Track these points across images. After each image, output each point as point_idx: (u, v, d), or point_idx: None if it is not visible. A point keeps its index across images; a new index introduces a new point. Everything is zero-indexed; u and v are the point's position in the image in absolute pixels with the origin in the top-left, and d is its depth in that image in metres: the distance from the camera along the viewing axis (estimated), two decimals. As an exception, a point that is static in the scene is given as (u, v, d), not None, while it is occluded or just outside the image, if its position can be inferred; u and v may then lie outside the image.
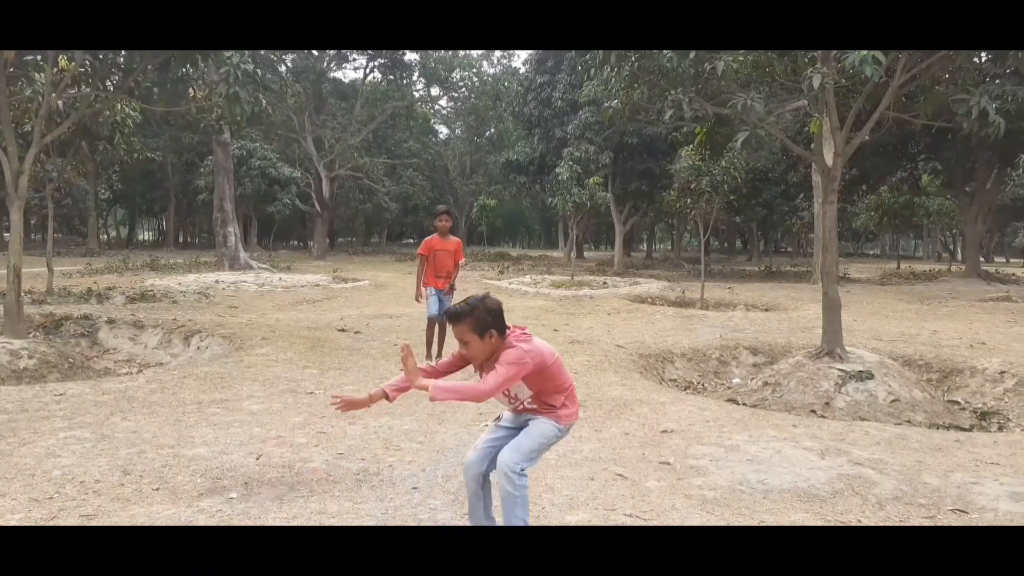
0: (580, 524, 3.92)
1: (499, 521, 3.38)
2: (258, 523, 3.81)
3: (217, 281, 18.58)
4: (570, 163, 22.28)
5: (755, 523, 4.02)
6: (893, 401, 7.57)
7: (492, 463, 3.36)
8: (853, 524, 4.08)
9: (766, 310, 15.56)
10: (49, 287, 13.99)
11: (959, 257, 43.74)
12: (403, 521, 3.90)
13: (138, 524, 3.76)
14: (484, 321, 3.14)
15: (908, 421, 7.28)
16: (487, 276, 24.44)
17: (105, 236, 55.51)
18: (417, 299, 8.82)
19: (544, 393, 3.34)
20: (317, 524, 3.81)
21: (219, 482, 4.48)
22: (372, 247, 53.52)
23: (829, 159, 9.05)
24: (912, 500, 4.44)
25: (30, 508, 3.95)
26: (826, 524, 4.05)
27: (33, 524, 3.74)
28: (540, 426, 3.33)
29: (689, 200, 16.06)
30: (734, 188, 16.71)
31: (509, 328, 3.28)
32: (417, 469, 4.78)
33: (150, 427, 5.56)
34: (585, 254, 48.85)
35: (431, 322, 8.61)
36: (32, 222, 47.58)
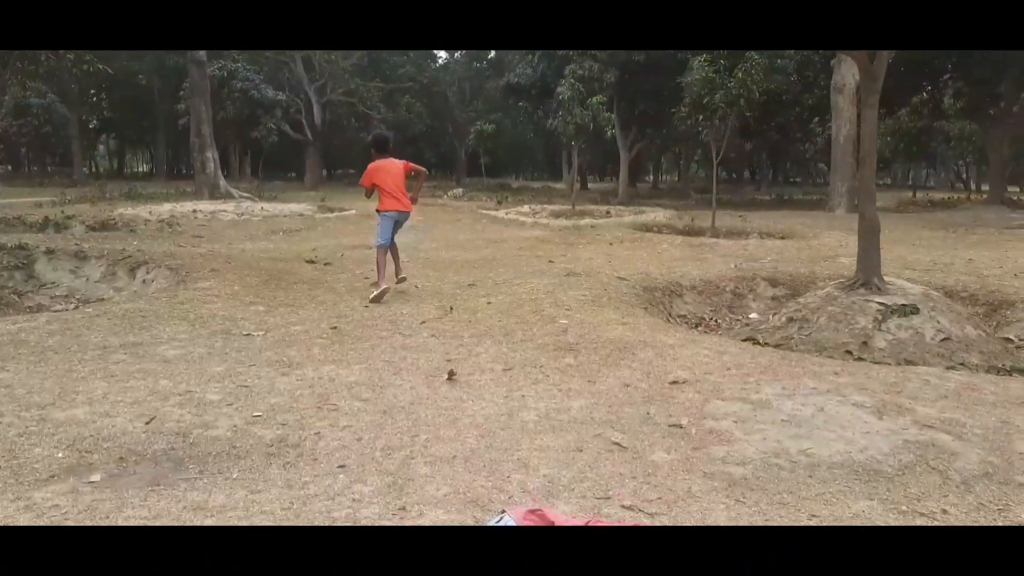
0: (561, 524, 2.79)
1: None
2: (100, 523, 2.69)
3: (194, 211, 17.30)
4: (572, 81, 20.63)
5: (805, 519, 2.88)
6: (944, 340, 6.40)
7: None
8: (936, 515, 2.95)
9: (782, 238, 14.29)
10: (-6, 216, 12.78)
11: (972, 187, 42.07)
12: (309, 520, 2.78)
13: (-74, 530, 2.64)
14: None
15: (962, 363, 6.13)
16: (484, 207, 23.09)
17: (94, 168, 53.92)
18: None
19: None
20: (178, 524, 2.69)
21: (85, 458, 3.36)
22: (369, 178, 51.90)
23: (871, 56, 7.65)
24: (1007, 477, 3.31)
25: None
26: (899, 516, 2.92)
27: None
28: None
29: (701, 117, 14.60)
30: (751, 105, 15.20)
31: None
32: (351, 438, 3.65)
33: (29, 380, 4.42)
34: (589, 185, 47.20)
35: (382, 249, 7.61)
36: (20, 153, 46.05)
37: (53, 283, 9.14)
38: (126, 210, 16.87)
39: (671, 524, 2.80)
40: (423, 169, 8.13)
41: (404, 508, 2.90)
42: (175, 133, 46.00)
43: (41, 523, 2.70)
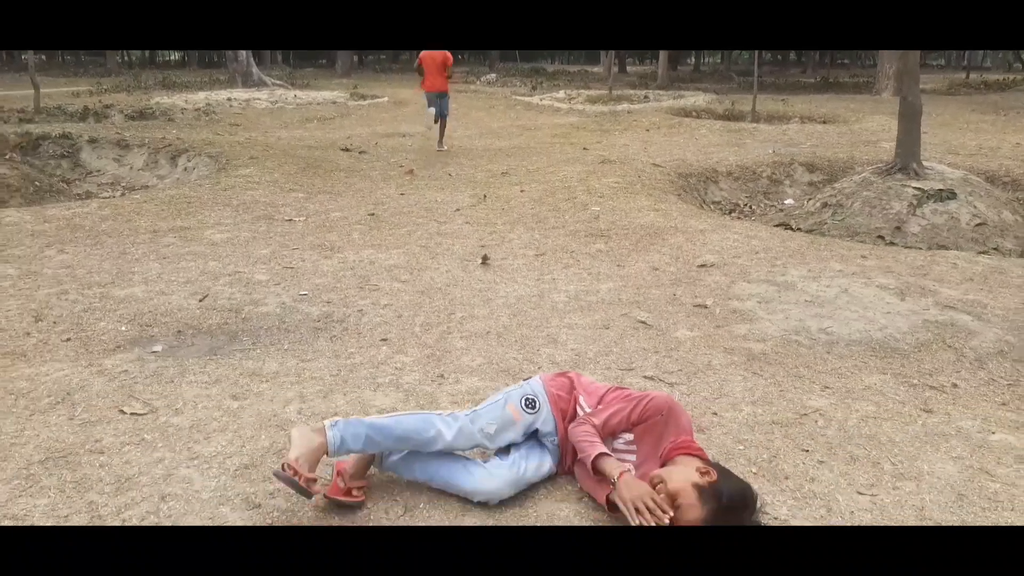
0: (585, 384, 3.00)
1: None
2: (169, 389, 2.96)
3: (228, 99, 17.31)
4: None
5: (818, 390, 3.05)
6: (979, 225, 6.38)
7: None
8: (946, 388, 3.10)
9: (824, 122, 13.92)
10: (36, 105, 12.95)
11: (1035, 66, 39.84)
12: (357, 386, 3.02)
13: (14, 390, 2.93)
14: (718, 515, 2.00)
15: (996, 248, 6.13)
16: (518, 93, 22.65)
17: (126, 57, 53.59)
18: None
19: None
20: (243, 389, 2.95)
21: (147, 330, 3.64)
22: (401, 64, 50.88)
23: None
24: (1022, 356, 3.42)
25: None
26: (911, 388, 3.07)
27: None
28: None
29: (743, -4, 13.98)
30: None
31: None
32: (392, 315, 3.86)
33: (88, 261, 4.69)
34: (628, 69, 45.75)
35: (429, 113, 10.27)
36: (51, 42, 45.81)
37: (98, 171, 9.39)
38: (162, 99, 16.94)
39: (689, 392, 2.99)
40: (450, 61, 10.45)
41: (442, 375, 3.13)
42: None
43: (107, 389, 2.98)
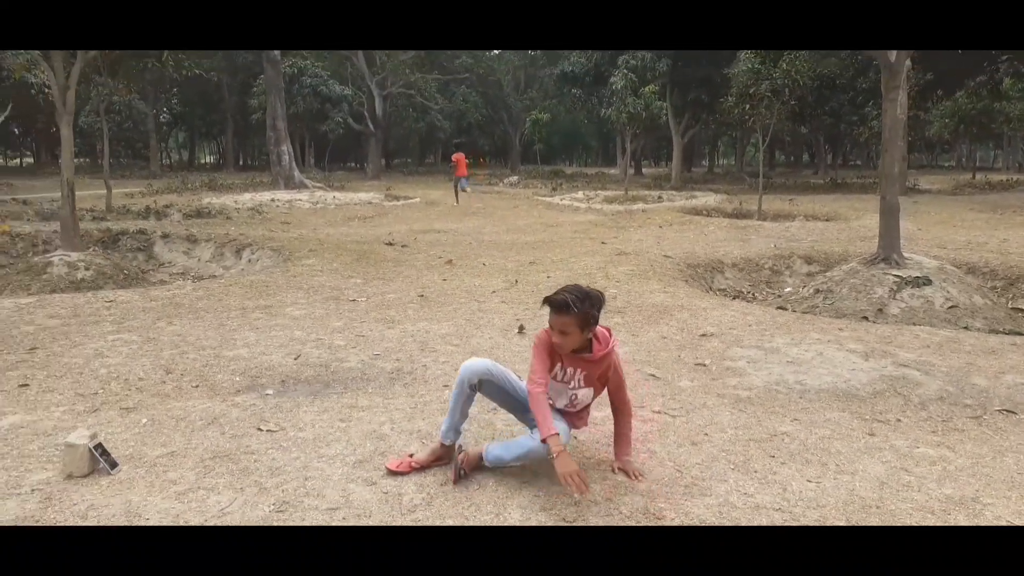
0: (606, 419, 3.89)
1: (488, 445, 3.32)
2: (290, 415, 3.89)
3: (272, 200, 18.82)
4: (625, 71, 21.54)
5: (788, 421, 3.92)
6: (951, 307, 7.27)
7: (486, 386, 3.30)
8: (891, 422, 3.95)
9: (826, 220, 15.03)
10: (108, 204, 14.38)
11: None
12: (431, 413, 3.93)
13: (174, 416, 3.88)
14: (591, 317, 3.01)
15: (966, 327, 7.00)
16: (539, 193, 24.17)
17: (167, 159, 56.75)
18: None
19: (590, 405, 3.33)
20: (346, 415, 3.87)
21: (257, 380, 4.59)
22: (426, 167, 53.42)
23: (892, 54, 8.47)
24: (957, 401, 4.27)
25: (75, 402, 4.12)
26: (862, 421, 3.93)
27: (75, 414, 3.90)
28: (530, 444, 3.10)
29: (748, 107, 15.40)
30: (797, 95, 15.92)
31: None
32: (450, 369, 4.80)
33: (194, 331, 5.71)
34: (644, 171, 47.77)
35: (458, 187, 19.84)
36: (97, 147, 48.88)
37: (170, 262, 10.59)
38: (212, 199, 18.49)
39: (687, 422, 3.88)
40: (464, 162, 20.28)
41: (495, 409, 4.04)
42: (242, 126, 48.25)
43: (243, 416, 3.91)
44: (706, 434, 3.70)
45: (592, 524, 2.80)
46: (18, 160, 59.91)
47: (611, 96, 23.49)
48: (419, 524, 2.80)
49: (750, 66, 15.13)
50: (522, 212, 17.36)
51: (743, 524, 2.80)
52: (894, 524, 2.80)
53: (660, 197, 21.22)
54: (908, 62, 8.14)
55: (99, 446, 3.17)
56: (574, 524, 2.81)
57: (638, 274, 8.25)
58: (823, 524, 2.81)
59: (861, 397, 4.32)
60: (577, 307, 2.94)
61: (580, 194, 22.77)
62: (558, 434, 2.93)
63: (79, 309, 6.30)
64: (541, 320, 6.29)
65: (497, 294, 7.34)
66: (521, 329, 5.82)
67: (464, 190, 19.75)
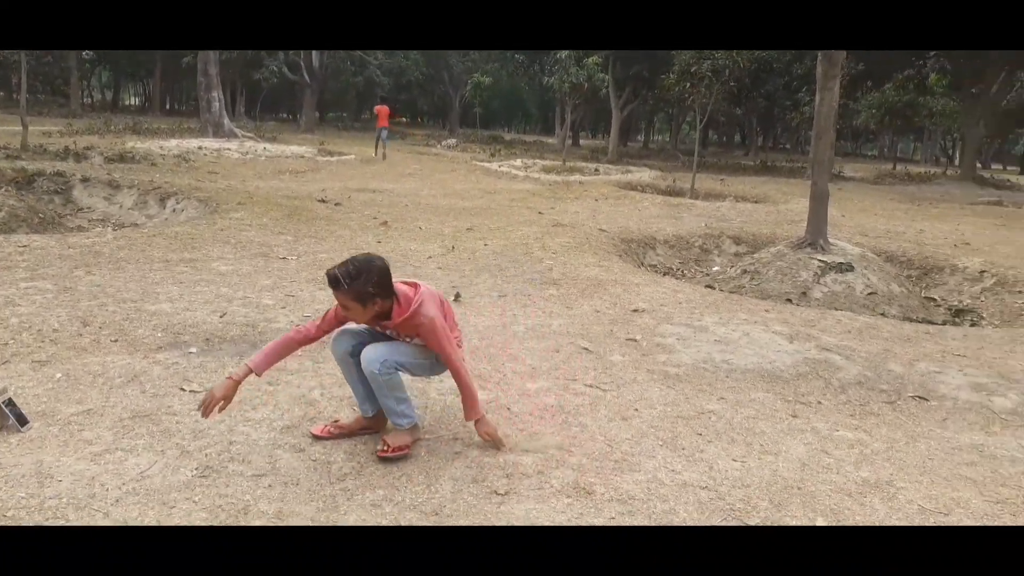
0: (539, 391, 3.91)
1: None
2: (214, 376, 3.77)
3: (200, 147, 18.11)
4: (568, 41, 21.39)
5: (715, 400, 4.01)
6: (870, 294, 7.55)
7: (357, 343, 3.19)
8: (812, 405, 4.09)
9: (755, 202, 15.38)
10: (24, 143, 13.58)
11: (957, 163, 43.13)
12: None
13: (91, 371, 3.71)
14: (366, 293, 2.89)
15: (883, 314, 7.28)
16: (477, 158, 23.95)
17: (89, 99, 53.89)
18: None
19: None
20: (274, 379, 3.77)
21: (180, 337, 4.43)
22: (362, 123, 52.21)
23: (832, 43, 8.64)
24: (874, 386, 4.45)
25: (-18, 352, 3.89)
26: (785, 403, 4.05)
27: (-17, 367, 3.69)
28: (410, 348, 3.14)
29: (688, 85, 15.54)
30: (736, 76, 16.14)
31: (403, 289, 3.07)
32: (382, 334, 4.73)
33: (114, 282, 5.46)
34: (581, 142, 47.89)
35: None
36: (13, 81, 46.02)
37: (89, 208, 10.09)
38: (137, 144, 17.65)
39: (618, 396, 3.92)
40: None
41: (428, 380, 4.00)
42: (171, 69, 46.18)
43: (165, 374, 3.77)
44: (636, 410, 3.76)
45: (524, 496, 2.81)
46: (-79, 87, 55.88)
47: (554, 64, 23.36)
48: (349, 493, 2.75)
49: (693, 44, 15.24)
50: (460, 176, 17.19)
51: (671, 500, 2.85)
52: (814, 505, 2.90)
53: (597, 170, 21.32)
54: (844, 52, 8.32)
55: (8, 401, 3.00)
56: (506, 494, 2.81)
57: (574, 247, 8.28)
58: (810, 524, 2.89)
59: (785, 379, 4.45)
60: (347, 283, 2.86)
61: (518, 162, 22.68)
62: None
63: (-12, 253, 5.95)
64: (477, 288, 6.28)
65: (433, 259, 7.26)
66: (457, 297, 5.77)
67: (383, 142, 20.40)
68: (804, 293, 7.53)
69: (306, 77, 36.49)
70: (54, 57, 36.88)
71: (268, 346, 3.07)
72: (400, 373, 3.11)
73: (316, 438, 3.15)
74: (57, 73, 41.20)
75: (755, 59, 21.73)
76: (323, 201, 10.62)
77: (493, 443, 3.16)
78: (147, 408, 3.33)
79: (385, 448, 3.06)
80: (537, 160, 23.54)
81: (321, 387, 3.75)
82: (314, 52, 36.20)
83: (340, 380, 3.85)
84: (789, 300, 7.40)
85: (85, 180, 10.38)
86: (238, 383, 2.90)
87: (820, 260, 7.92)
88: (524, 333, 4.97)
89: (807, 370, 4.61)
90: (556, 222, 10.19)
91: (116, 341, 4.26)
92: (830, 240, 8.38)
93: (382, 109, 21.65)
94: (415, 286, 3.12)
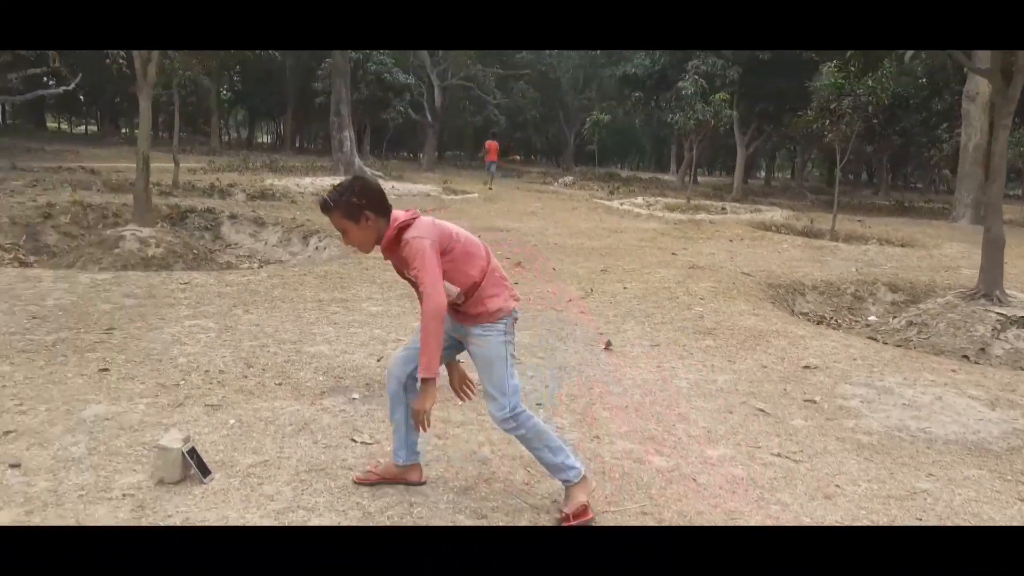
0: (722, 459, 3.58)
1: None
2: (382, 426, 3.65)
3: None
4: (696, 77, 21.03)
5: (923, 476, 3.56)
6: (1061, 352, 6.77)
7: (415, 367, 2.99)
8: (1036, 487, 3.57)
9: (903, 245, 14.42)
10: (175, 180, 14.41)
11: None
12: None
13: (262, 418, 3.67)
14: (353, 205, 2.75)
15: (1078, 376, 6.51)
16: (596, 196, 23.77)
17: (226, 136, 57.45)
18: None
19: (468, 287, 2.97)
20: (441, 431, 3.62)
21: (341, 381, 4.37)
22: (479, 161, 53.33)
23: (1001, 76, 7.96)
24: (1106, 466, 3.86)
25: (157, 393, 3.93)
26: (1005, 482, 3.56)
27: (160, 408, 3.71)
28: (484, 349, 3.00)
29: (828, 122, 14.83)
30: (876, 112, 15.30)
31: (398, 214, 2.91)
32: (540, 385, 4.53)
33: (271, 321, 5.52)
34: (698, 179, 47.02)
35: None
36: (159, 119, 49.69)
37: (236, 244, 10.50)
38: (274, 181, 18.47)
39: (812, 469, 3.54)
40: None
41: (598, 437, 3.76)
42: (301, 108, 48.60)
43: (333, 423, 3.68)
44: (837, 486, 3.37)
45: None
46: (83, 128, 61.17)
47: (677, 101, 22.98)
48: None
49: (832, 80, 14.57)
50: (582, 215, 17.02)
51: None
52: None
53: (723, 208, 20.68)
54: (1020, 86, 7.61)
55: (192, 451, 2.96)
56: None
57: (721, 292, 7.88)
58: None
59: (996, 453, 3.94)
60: (333, 200, 2.75)
61: (640, 199, 22.33)
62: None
63: (154, 289, 6.17)
64: (626, 336, 6.00)
65: (573, 303, 7.05)
66: (608, 345, 5.52)
67: (491, 175, 22.88)
68: (982, 349, 6.84)
69: (428, 116, 37.57)
70: (198, 97, 39.46)
71: (428, 346, 2.78)
72: (536, 419, 2.94)
73: (357, 483, 3.04)
74: (199, 113, 44.17)
75: (892, 95, 20.66)
76: (456, 240, 10.63)
77: (415, 419, 2.81)
78: (322, 461, 3.23)
79: (566, 519, 2.83)
80: (659, 198, 23.12)
81: (490, 443, 3.57)
82: (436, 93, 37.25)
83: (508, 437, 3.65)
84: (965, 357, 6.73)
85: (232, 217, 10.83)
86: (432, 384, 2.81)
87: (998, 313, 7.20)
88: (689, 390, 4.65)
89: (1020, 443, 4.07)
90: (692, 264, 9.80)
91: (280, 384, 4.24)
92: (1007, 291, 7.64)
93: (492, 144, 23.80)
94: (417, 215, 2.93)
